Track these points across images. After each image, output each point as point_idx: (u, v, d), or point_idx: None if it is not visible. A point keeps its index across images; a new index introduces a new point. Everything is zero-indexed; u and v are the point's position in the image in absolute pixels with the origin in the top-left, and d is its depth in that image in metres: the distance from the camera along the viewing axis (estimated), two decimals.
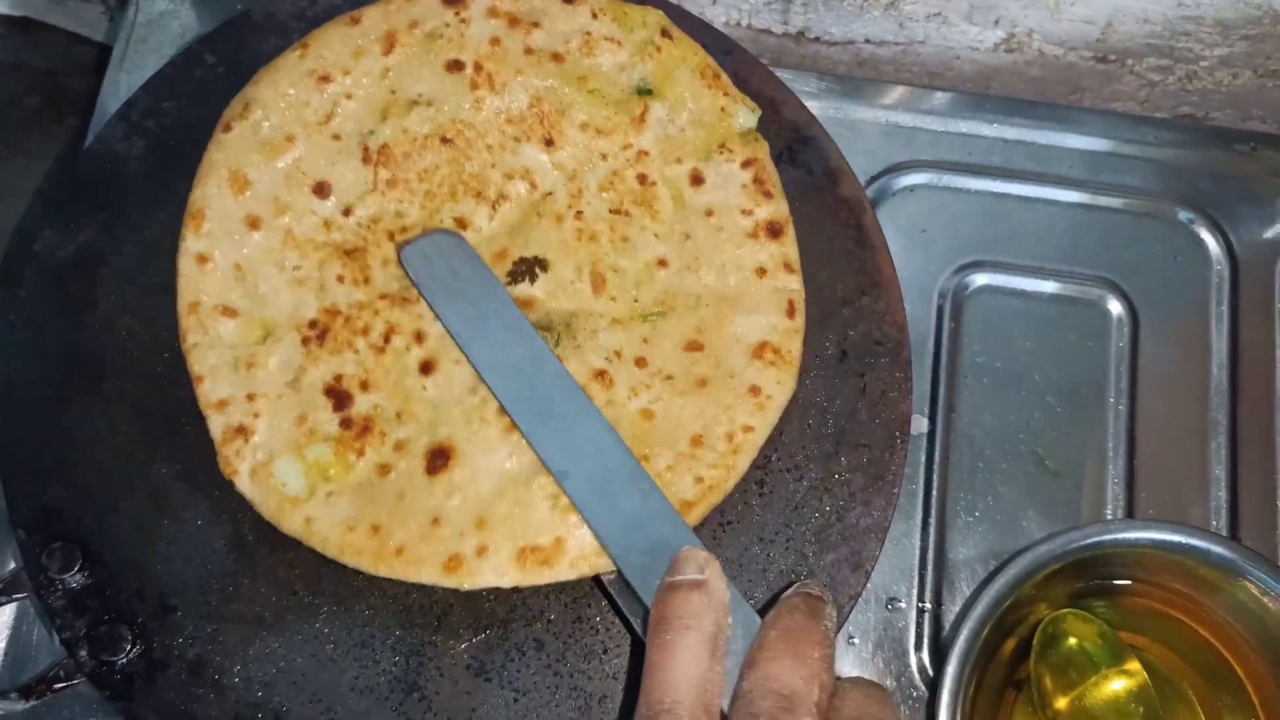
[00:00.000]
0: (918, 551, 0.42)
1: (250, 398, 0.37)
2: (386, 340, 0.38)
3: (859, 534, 0.37)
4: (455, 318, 0.38)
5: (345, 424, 0.37)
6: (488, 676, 0.36)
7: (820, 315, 0.40)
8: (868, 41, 0.56)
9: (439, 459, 0.36)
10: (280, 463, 0.36)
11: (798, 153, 0.41)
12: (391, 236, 0.39)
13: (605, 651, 0.36)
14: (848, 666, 0.41)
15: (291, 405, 0.37)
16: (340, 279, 0.39)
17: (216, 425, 0.37)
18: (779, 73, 0.44)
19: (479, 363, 0.37)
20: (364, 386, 0.38)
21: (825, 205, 0.41)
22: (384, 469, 0.37)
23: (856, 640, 0.41)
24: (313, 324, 0.38)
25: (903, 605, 0.41)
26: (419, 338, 0.38)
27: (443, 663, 0.36)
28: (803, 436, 0.38)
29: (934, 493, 0.43)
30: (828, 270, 0.40)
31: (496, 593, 0.37)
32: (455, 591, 0.37)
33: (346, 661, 0.36)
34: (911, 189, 0.48)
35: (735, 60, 0.42)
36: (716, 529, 0.37)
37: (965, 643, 0.36)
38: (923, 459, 0.43)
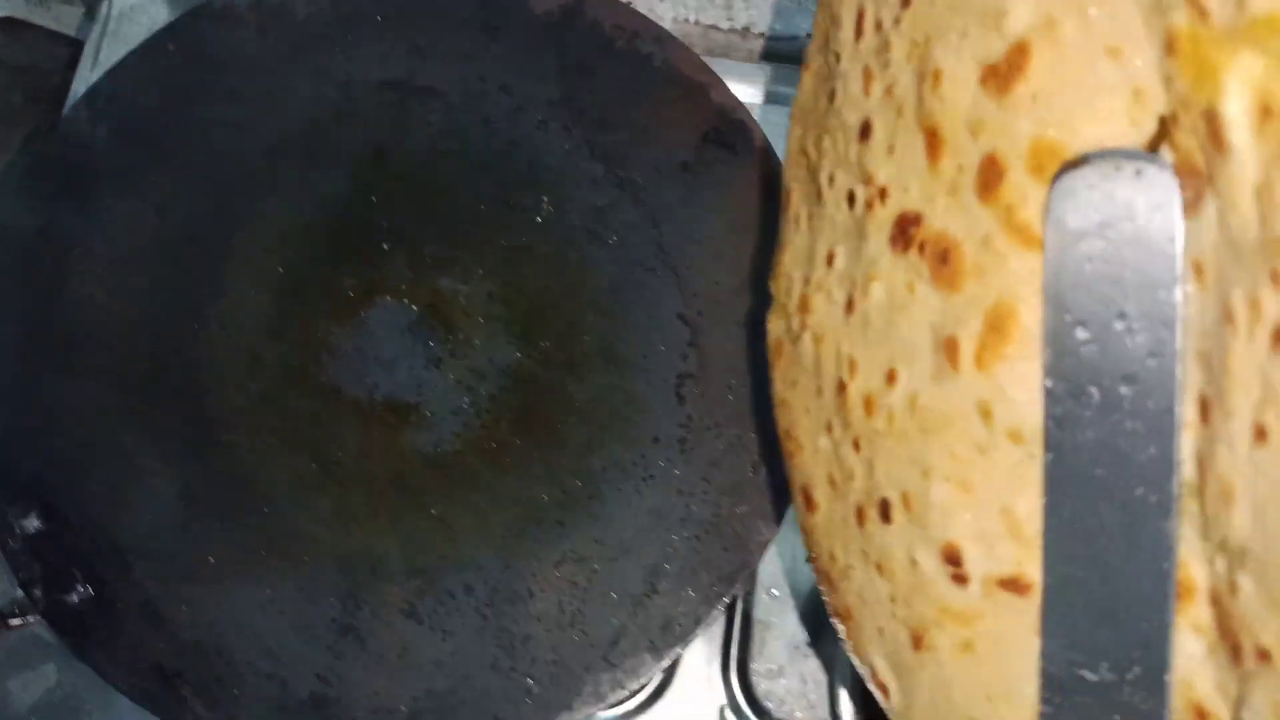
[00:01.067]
0: None
1: None
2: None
3: (771, 487, 0.39)
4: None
5: None
6: (419, 619, 0.38)
7: (739, 284, 0.42)
8: (809, 36, 0.58)
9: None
10: None
11: (724, 132, 0.44)
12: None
13: (531, 595, 0.38)
14: (772, 616, 0.43)
15: None
16: None
17: None
18: (727, 63, 0.47)
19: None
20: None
21: (748, 182, 0.43)
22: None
23: (777, 592, 0.43)
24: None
25: None
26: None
27: (377, 606, 0.38)
28: (723, 398, 0.41)
29: None
30: (748, 242, 0.42)
31: (431, 542, 0.39)
32: (392, 539, 0.39)
33: (287, 605, 0.38)
34: None
35: (665, 48, 0.45)
36: (640, 483, 0.40)
37: None
38: None
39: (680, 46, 0.45)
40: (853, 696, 0.39)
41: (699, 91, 0.44)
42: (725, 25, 0.59)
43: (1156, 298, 0.21)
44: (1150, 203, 0.21)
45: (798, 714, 0.41)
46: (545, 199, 0.44)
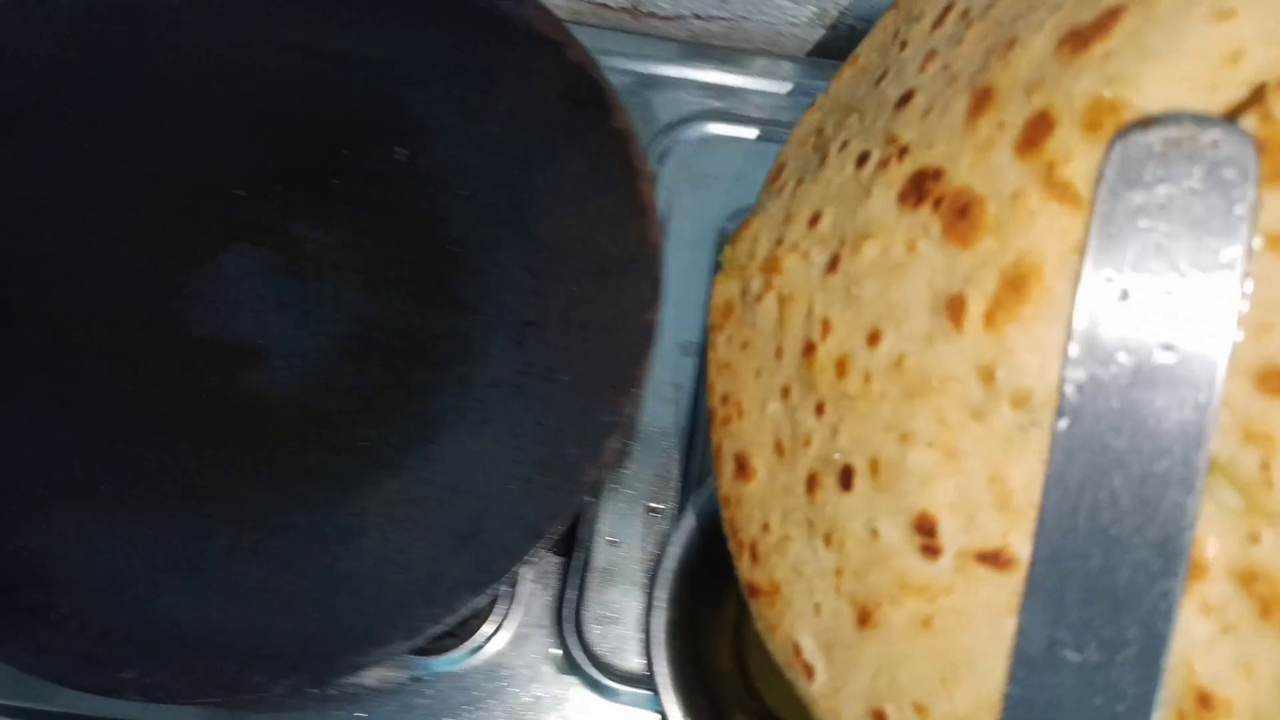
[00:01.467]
0: (679, 462, 0.45)
1: None
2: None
3: (602, 430, 0.40)
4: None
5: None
6: (246, 554, 0.38)
7: (587, 235, 0.43)
8: (696, 17, 0.60)
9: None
10: None
11: (576, 90, 0.45)
12: None
13: (363, 534, 0.39)
14: (610, 564, 0.43)
15: None
16: None
17: None
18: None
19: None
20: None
21: (598, 137, 0.44)
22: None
23: (618, 540, 0.43)
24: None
25: (663, 509, 0.44)
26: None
27: (205, 541, 0.38)
28: (561, 341, 0.41)
29: (700, 407, 0.46)
30: (595, 195, 0.43)
31: (264, 479, 0.39)
32: (226, 475, 0.39)
33: (113, 536, 0.38)
34: (706, 139, 0.51)
35: (522, 7, 0.46)
36: (477, 425, 0.40)
37: (683, 533, 0.39)
38: (691, 375, 0.46)
39: (538, 6, 0.46)
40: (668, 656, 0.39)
41: (555, 50, 0.45)
42: (615, 3, 0.60)
43: (1216, 270, 0.20)
44: (1223, 173, 0.20)
45: (631, 659, 0.41)
46: (398, 150, 0.44)
